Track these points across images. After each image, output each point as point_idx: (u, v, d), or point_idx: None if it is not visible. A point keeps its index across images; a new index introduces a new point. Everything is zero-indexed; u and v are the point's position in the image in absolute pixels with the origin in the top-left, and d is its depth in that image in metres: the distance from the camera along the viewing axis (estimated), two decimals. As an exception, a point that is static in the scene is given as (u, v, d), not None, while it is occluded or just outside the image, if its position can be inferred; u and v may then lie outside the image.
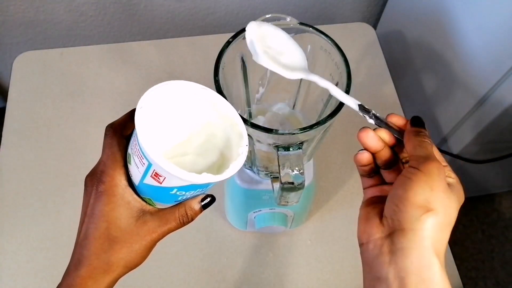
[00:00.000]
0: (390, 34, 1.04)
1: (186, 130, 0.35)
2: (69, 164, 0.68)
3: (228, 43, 0.41)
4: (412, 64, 0.97)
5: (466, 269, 1.25)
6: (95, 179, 0.33)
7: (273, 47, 0.37)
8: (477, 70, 0.77)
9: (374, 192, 0.37)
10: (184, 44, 0.81)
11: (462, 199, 0.32)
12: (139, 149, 0.30)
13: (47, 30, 1.04)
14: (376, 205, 0.35)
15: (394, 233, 0.30)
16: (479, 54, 0.76)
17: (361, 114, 0.34)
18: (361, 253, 0.34)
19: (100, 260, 0.31)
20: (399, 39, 1.00)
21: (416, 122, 0.34)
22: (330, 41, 0.41)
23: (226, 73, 0.41)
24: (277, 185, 0.42)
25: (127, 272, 0.33)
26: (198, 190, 0.33)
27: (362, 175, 0.37)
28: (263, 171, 0.49)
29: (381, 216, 0.32)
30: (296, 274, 0.62)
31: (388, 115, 0.35)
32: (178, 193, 0.32)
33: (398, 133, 0.34)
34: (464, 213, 1.32)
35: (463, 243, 1.28)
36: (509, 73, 0.70)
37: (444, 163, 0.34)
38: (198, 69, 0.78)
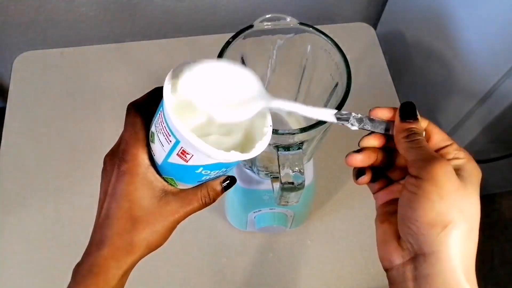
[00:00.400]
0: (390, 34, 1.04)
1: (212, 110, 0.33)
2: (69, 164, 0.68)
3: (228, 43, 0.41)
4: (412, 64, 0.97)
5: (466, 269, 1.25)
6: (116, 158, 0.32)
7: (219, 88, 0.33)
8: (477, 70, 0.77)
9: (384, 196, 0.34)
10: (184, 44, 0.81)
11: (478, 177, 0.29)
12: (166, 126, 0.29)
13: (47, 30, 1.04)
14: (391, 219, 0.32)
15: (416, 258, 0.27)
16: (479, 54, 0.76)
17: (341, 124, 0.32)
18: (387, 278, 0.31)
19: (123, 240, 0.31)
20: (399, 39, 1.00)
21: (405, 114, 0.30)
22: (330, 41, 0.41)
23: (226, 73, 0.41)
24: (277, 185, 0.42)
25: (149, 253, 0.33)
26: (222, 169, 0.32)
27: (368, 182, 0.36)
28: (263, 171, 0.49)
29: (398, 236, 0.30)
30: (296, 274, 0.62)
31: (370, 110, 0.32)
32: (203, 172, 0.31)
33: (387, 127, 0.32)
34: (464, 213, 1.32)
35: (463, 243, 1.28)
36: (509, 73, 0.70)
37: (448, 141, 0.30)
38: (198, 69, 0.77)
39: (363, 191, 0.69)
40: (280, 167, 0.38)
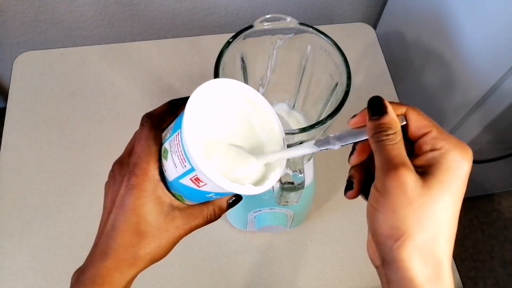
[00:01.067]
0: (390, 34, 1.04)
1: (227, 135, 0.34)
2: (69, 164, 0.68)
3: (228, 43, 0.41)
4: (412, 64, 0.97)
5: (466, 269, 1.25)
6: (126, 170, 0.32)
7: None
8: (477, 70, 0.77)
9: None
10: (184, 44, 0.81)
11: (460, 173, 0.26)
12: (183, 151, 0.29)
13: (48, 30, 1.04)
14: None
15: (383, 264, 0.28)
16: (479, 54, 0.76)
17: (325, 150, 0.31)
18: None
19: (128, 254, 0.31)
20: (399, 39, 1.00)
21: (372, 111, 0.28)
22: (330, 41, 0.41)
23: (226, 73, 0.42)
24: (277, 185, 0.42)
25: (151, 264, 0.33)
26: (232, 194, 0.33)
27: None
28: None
29: None
30: (296, 274, 0.62)
31: (349, 120, 0.31)
32: (213, 196, 0.32)
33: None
34: (464, 213, 1.32)
35: (462, 243, 1.28)
36: (509, 73, 0.70)
37: (427, 128, 0.28)
38: (198, 69, 0.78)
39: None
40: (280, 167, 0.38)
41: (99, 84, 0.76)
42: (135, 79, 0.77)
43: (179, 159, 0.30)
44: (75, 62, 0.78)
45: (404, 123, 0.28)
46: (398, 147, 0.27)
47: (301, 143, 0.39)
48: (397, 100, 0.76)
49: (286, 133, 0.37)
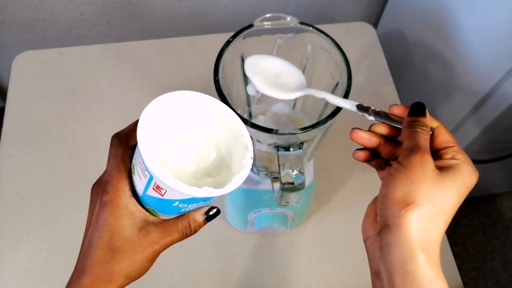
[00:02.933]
0: (390, 34, 1.04)
1: (191, 141, 0.35)
2: (69, 164, 0.68)
3: (228, 42, 0.41)
4: (412, 63, 0.96)
5: (467, 270, 1.25)
6: (100, 189, 0.33)
7: (271, 74, 0.40)
8: (477, 70, 0.77)
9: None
10: (184, 44, 0.81)
11: (468, 180, 0.31)
12: (142, 161, 0.30)
13: (47, 29, 1.04)
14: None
15: (382, 229, 0.31)
16: (479, 54, 0.75)
17: (360, 114, 0.35)
18: (365, 248, 0.34)
19: (102, 270, 0.31)
20: (400, 39, 1.00)
21: (414, 111, 0.34)
22: (330, 41, 0.41)
23: (226, 73, 0.41)
24: (277, 186, 0.41)
25: (129, 283, 0.33)
26: (200, 203, 0.33)
27: (375, 168, 0.38)
28: (263, 171, 0.49)
29: (376, 213, 0.33)
30: (297, 274, 0.62)
31: (390, 106, 0.35)
32: (180, 205, 0.32)
33: (401, 123, 0.35)
34: (465, 213, 1.32)
35: (464, 244, 1.28)
36: (510, 73, 0.70)
37: (451, 143, 0.33)
38: (198, 69, 0.77)
39: (363, 191, 0.69)
40: (280, 167, 0.38)
41: (98, 83, 0.76)
42: (135, 78, 0.76)
43: (141, 169, 0.31)
44: (74, 61, 0.78)
45: (430, 133, 0.33)
46: (427, 140, 0.32)
47: (301, 143, 0.39)
48: (398, 100, 0.76)
49: (286, 133, 0.37)
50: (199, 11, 1.04)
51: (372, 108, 0.35)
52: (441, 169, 0.31)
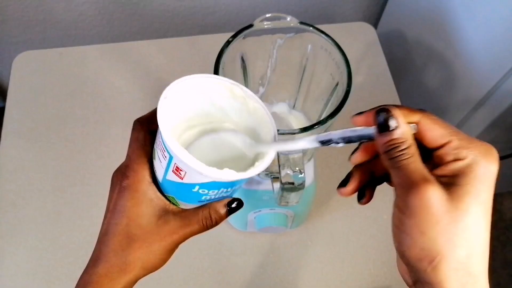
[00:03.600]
0: (390, 34, 1.04)
1: (213, 127, 0.34)
2: (69, 164, 0.68)
3: (228, 42, 0.41)
4: (412, 63, 0.96)
5: (467, 269, 1.25)
6: (119, 174, 0.32)
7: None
8: (477, 70, 0.77)
9: None
10: (184, 44, 0.81)
11: (486, 178, 0.25)
12: (162, 142, 0.29)
13: (47, 29, 1.04)
14: None
15: (416, 284, 0.26)
16: (479, 53, 0.75)
17: (327, 146, 0.29)
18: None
19: (118, 258, 0.30)
20: (400, 39, 1.00)
21: (381, 125, 0.25)
22: (330, 41, 0.41)
23: (226, 73, 0.41)
24: (277, 186, 0.41)
25: (146, 274, 0.32)
26: (222, 189, 0.31)
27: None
28: (263, 171, 0.49)
29: None
30: (297, 274, 0.62)
31: (352, 118, 0.28)
32: (200, 191, 0.30)
33: (373, 135, 0.27)
34: (465, 213, 1.32)
35: (463, 243, 1.28)
36: (510, 73, 0.70)
37: (446, 137, 0.25)
38: (198, 69, 0.77)
39: (364, 191, 0.69)
40: (280, 167, 0.38)
41: (98, 83, 0.76)
42: (135, 78, 0.76)
43: (161, 152, 0.30)
44: (74, 61, 0.78)
45: (415, 131, 0.26)
46: (414, 161, 0.25)
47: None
48: (398, 100, 0.75)
49: (287, 133, 0.37)
50: (199, 11, 1.04)
51: (333, 133, 0.28)
52: (448, 183, 0.24)
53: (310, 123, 0.37)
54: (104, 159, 0.68)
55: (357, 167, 0.31)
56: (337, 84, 0.43)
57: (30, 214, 0.64)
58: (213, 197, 0.32)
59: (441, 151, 0.26)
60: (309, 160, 0.50)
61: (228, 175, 0.28)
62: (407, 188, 0.24)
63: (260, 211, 0.55)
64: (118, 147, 0.70)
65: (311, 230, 0.64)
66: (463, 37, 0.78)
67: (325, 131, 0.42)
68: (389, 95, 0.76)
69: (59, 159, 0.68)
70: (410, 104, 0.99)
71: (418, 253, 0.24)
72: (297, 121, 0.51)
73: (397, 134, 0.25)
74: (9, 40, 1.06)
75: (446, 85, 0.87)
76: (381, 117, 0.25)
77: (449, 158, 0.25)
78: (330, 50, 0.42)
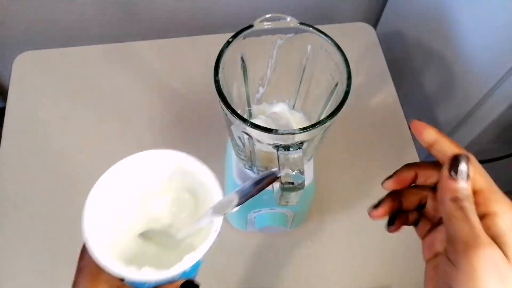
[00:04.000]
0: (390, 34, 1.04)
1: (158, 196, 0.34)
2: (69, 164, 0.68)
3: (228, 43, 0.41)
4: (412, 64, 0.97)
5: (466, 269, 1.25)
6: (79, 255, 0.34)
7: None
8: (477, 70, 0.77)
9: (427, 250, 0.29)
10: (184, 44, 0.81)
11: None
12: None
13: (47, 30, 1.04)
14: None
15: None
16: (479, 54, 0.76)
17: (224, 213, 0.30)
18: None
19: None
20: (399, 39, 1.00)
21: (454, 166, 0.25)
22: (330, 41, 0.41)
23: (226, 73, 0.41)
24: (277, 185, 0.42)
25: None
26: (171, 280, 0.31)
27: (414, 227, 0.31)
28: (263, 171, 0.49)
29: None
30: (297, 274, 0.62)
31: (384, 183, 0.29)
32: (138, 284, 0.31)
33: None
34: (464, 213, 1.32)
35: (463, 243, 1.28)
36: (510, 73, 0.70)
37: (482, 194, 0.25)
38: (198, 69, 0.78)
39: (364, 191, 0.69)
40: (280, 167, 0.38)
41: (99, 83, 0.76)
42: (135, 78, 0.77)
43: None
44: (75, 61, 0.78)
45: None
46: (477, 218, 0.24)
47: (301, 143, 0.39)
48: (397, 100, 0.75)
49: (286, 133, 0.37)
50: (199, 12, 1.04)
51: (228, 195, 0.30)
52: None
53: (310, 123, 0.37)
54: (105, 159, 0.68)
55: (390, 194, 0.31)
56: (336, 84, 0.43)
57: (30, 214, 0.64)
58: (166, 282, 0.32)
59: (491, 209, 0.25)
60: (309, 160, 0.51)
61: (145, 275, 0.28)
62: (470, 246, 0.23)
63: (260, 211, 0.55)
64: (119, 147, 0.70)
65: (311, 230, 0.64)
66: (462, 37, 0.78)
67: (325, 131, 0.42)
68: (388, 95, 0.76)
69: (59, 159, 0.69)
70: (409, 104, 0.99)
71: None
72: (297, 121, 0.51)
73: (470, 183, 0.24)
74: (10, 40, 1.06)
75: (445, 85, 0.88)
76: (463, 164, 0.25)
77: (488, 221, 0.25)
78: (330, 51, 0.42)
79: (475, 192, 0.26)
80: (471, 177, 0.25)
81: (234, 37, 0.41)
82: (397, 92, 0.77)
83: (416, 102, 0.99)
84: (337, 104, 0.38)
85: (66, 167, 0.68)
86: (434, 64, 0.89)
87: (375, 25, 1.15)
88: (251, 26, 0.42)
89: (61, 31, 1.05)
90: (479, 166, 0.27)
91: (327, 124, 0.38)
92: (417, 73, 0.96)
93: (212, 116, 0.73)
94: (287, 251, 0.63)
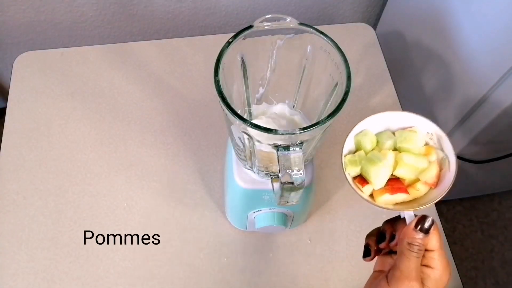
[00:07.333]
0: (390, 35, 1.04)
1: None
2: (69, 164, 0.68)
3: (228, 43, 0.41)
4: (411, 64, 0.97)
5: (466, 269, 1.25)
6: None
7: None
8: (476, 70, 0.77)
9: (382, 262, 0.41)
10: (185, 45, 0.81)
11: (443, 279, 0.34)
12: None
13: (48, 30, 1.04)
14: None
15: None
16: (478, 54, 0.76)
17: None
18: None
19: None
20: (399, 40, 1.00)
21: (422, 225, 0.35)
22: (330, 42, 0.41)
23: (226, 73, 0.41)
24: (277, 185, 0.42)
25: None
26: None
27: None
28: (263, 171, 0.49)
29: None
30: (296, 274, 0.62)
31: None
32: None
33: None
34: (464, 213, 1.32)
35: (462, 243, 1.28)
36: (509, 73, 0.70)
37: (432, 247, 0.35)
38: (198, 70, 0.78)
39: (363, 191, 0.69)
40: (280, 167, 0.38)
41: (99, 84, 0.76)
42: (135, 79, 0.77)
43: None
44: (75, 62, 0.78)
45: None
46: (419, 263, 0.34)
47: (301, 143, 0.39)
48: (397, 100, 0.76)
49: (286, 133, 0.37)
50: (199, 12, 1.04)
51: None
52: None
53: (310, 123, 0.37)
54: (105, 159, 0.69)
55: (372, 237, 0.41)
56: (336, 85, 0.43)
57: (31, 214, 0.64)
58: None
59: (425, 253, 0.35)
60: (309, 160, 0.51)
61: None
62: (405, 277, 0.33)
63: (260, 210, 0.56)
64: (119, 147, 0.70)
65: (311, 229, 0.65)
66: (462, 37, 0.78)
67: (325, 131, 0.42)
68: (388, 95, 0.76)
69: (60, 159, 0.69)
70: (409, 105, 0.99)
71: None
72: (297, 121, 0.51)
73: (426, 240, 0.34)
74: (10, 40, 1.07)
75: (445, 85, 0.88)
76: (428, 224, 0.35)
77: (424, 261, 0.35)
78: (329, 51, 0.42)
79: (429, 249, 0.35)
80: (428, 236, 0.34)
81: (234, 37, 0.41)
82: (397, 92, 0.77)
83: (416, 102, 0.99)
84: (337, 104, 0.38)
85: (66, 167, 0.68)
86: (434, 64, 0.90)
87: (374, 26, 1.15)
88: (251, 26, 0.42)
89: (62, 32, 1.05)
90: (439, 233, 0.35)
91: (327, 124, 0.38)
92: (416, 73, 0.96)
93: (212, 116, 0.73)
94: (287, 250, 0.63)
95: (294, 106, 0.52)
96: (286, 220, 0.57)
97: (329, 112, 0.38)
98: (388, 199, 0.37)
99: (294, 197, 0.41)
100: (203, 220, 0.64)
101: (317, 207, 0.66)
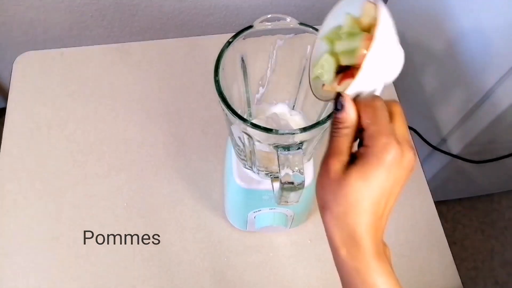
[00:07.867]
0: (390, 34, 1.04)
1: None
2: (69, 164, 0.68)
3: (228, 43, 0.41)
4: (411, 63, 0.97)
5: (466, 269, 1.25)
6: None
7: None
8: (477, 70, 0.77)
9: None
10: (185, 45, 0.81)
11: (376, 161, 0.31)
12: None
13: (48, 30, 1.04)
14: None
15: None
16: (479, 54, 0.76)
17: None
18: None
19: None
20: (399, 39, 1.00)
21: (335, 105, 0.34)
22: (330, 42, 0.41)
23: (226, 74, 0.42)
24: (277, 185, 0.42)
25: None
26: None
27: None
28: (263, 171, 0.49)
29: None
30: (296, 273, 0.62)
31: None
32: None
33: None
34: (464, 213, 1.33)
35: (462, 243, 1.29)
36: (509, 73, 0.70)
37: (366, 124, 0.33)
38: (198, 70, 0.78)
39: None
40: (280, 167, 0.38)
41: (99, 84, 0.76)
42: (135, 79, 0.77)
43: None
44: (75, 62, 0.78)
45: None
46: (341, 140, 0.34)
47: (301, 143, 0.39)
48: (397, 100, 0.76)
49: (286, 133, 0.37)
50: (199, 12, 1.04)
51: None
52: (355, 162, 0.33)
53: (310, 123, 0.38)
54: (105, 159, 0.69)
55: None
56: (336, 85, 0.43)
57: (30, 214, 0.64)
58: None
59: (364, 133, 0.33)
60: (309, 160, 0.51)
61: None
62: (325, 156, 0.34)
63: (260, 210, 0.56)
64: (119, 147, 0.70)
65: (311, 229, 0.65)
66: (462, 37, 0.79)
67: (325, 131, 0.42)
68: (388, 95, 0.77)
69: (60, 159, 0.69)
70: (409, 105, 0.99)
71: (319, 200, 0.35)
72: (296, 121, 0.51)
73: (340, 114, 0.34)
74: (10, 40, 1.07)
75: (445, 85, 0.88)
76: (336, 98, 0.34)
77: (364, 141, 0.33)
78: (329, 51, 0.42)
79: (363, 123, 0.33)
80: (344, 110, 0.33)
81: (234, 37, 0.41)
82: (397, 91, 0.77)
83: (416, 102, 0.99)
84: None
85: (66, 167, 0.68)
86: (434, 64, 0.90)
87: (374, 25, 1.15)
88: (251, 26, 0.42)
89: (62, 32, 1.05)
90: (364, 107, 0.34)
91: (327, 124, 0.38)
92: (416, 73, 0.96)
93: (212, 116, 0.73)
94: (287, 250, 0.63)
95: (294, 106, 0.52)
96: (286, 220, 0.57)
97: (329, 112, 0.38)
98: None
99: (294, 197, 0.41)
100: (203, 220, 0.64)
101: (317, 207, 0.66)
